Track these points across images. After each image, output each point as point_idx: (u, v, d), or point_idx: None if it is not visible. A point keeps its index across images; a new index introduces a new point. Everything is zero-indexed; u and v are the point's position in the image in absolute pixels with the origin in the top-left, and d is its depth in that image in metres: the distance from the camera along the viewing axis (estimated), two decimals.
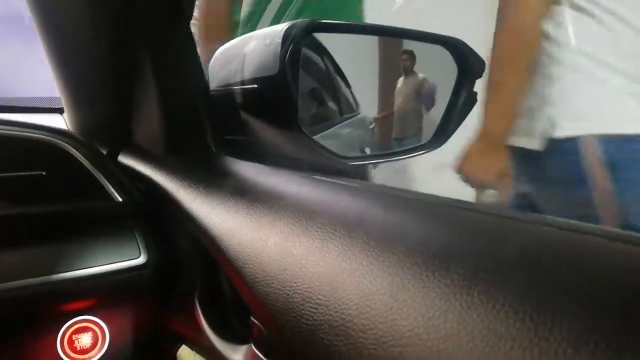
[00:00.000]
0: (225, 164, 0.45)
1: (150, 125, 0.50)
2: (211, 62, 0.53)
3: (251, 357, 0.33)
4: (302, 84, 0.55)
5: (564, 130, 0.89)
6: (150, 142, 0.51)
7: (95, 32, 0.50)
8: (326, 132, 0.62)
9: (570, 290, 0.16)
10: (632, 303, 0.15)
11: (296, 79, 0.41)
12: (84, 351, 0.42)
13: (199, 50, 0.53)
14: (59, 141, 0.45)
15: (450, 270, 0.19)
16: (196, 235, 0.39)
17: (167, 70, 0.48)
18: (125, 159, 0.52)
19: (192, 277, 0.43)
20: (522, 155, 0.95)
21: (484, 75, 0.53)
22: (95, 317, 0.42)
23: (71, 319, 0.41)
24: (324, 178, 0.34)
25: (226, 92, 0.48)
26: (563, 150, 0.89)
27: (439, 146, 0.53)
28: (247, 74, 0.45)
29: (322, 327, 0.23)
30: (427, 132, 0.55)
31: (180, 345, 0.50)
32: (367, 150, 0.69)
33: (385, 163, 0.60)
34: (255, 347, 0.32)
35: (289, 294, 0.26)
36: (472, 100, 0.52)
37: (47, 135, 0.45)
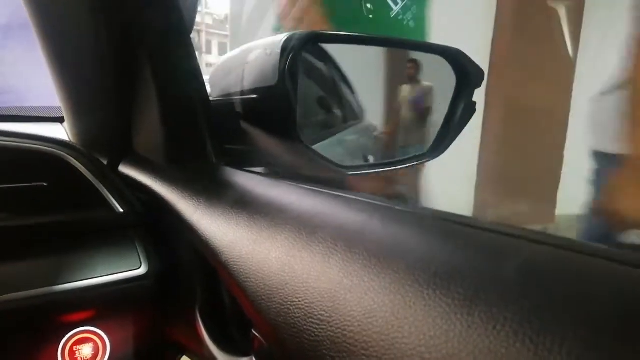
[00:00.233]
0: (226, 175, 0.45)
1: (151, 136, 0.51)
2: (213, 71, 0.53)
3: None
4: (307, 91, 0.55)
5: None
6: (151, 152, 0.51)
7: (97, 41, 0.50)
8: (330, 139, 0.62)
9: (569, 312, 0.16)
10: (630, 325, 0.15)
11: (295, 89, 0.41)
12: None
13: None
14: (60, 152, 0.45)
15: (451, 290, 0.19)
16: (197, 247, 0.39)
17: (168, 80, 0.48)
18: (126, 169, 0.52)
19: (193, 288, 0.44)
20: None
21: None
22: (96, 328, 0.42)
23: (72, 329, 0.41)
24: (324, 190, 0.34)
25: (226, 102, 0.49)
26: None
27: (438, 156, 0.53)
28: (248, 84, 0.45)
29: (325, 343, 0.23)
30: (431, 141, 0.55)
31: (181, 357, 0.50)
32: (371, 159, 0.69)
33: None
34: None
35: (290, 309, 0.26)
36: (470, 110, 0.52)
37: (48, 146, 0.45)
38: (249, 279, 0.30)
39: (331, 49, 0.57)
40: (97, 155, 0.50)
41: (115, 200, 0.46)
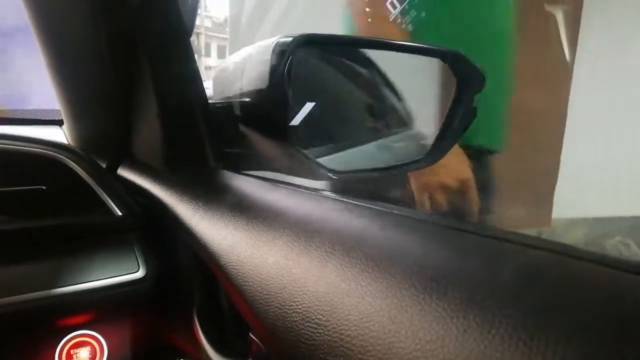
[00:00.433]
0: (224, 179, 0.45)
1: (150, 139, 0.51)
2: (215, 74, 0.53)
3: None
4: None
5: None
6: (150, 155, 0.51)
7: (96, 45, 0.50)
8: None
9: (563, 316, 0.17)
10: (624, 330, 0.15)
11: (286, 92, 0.40)
12: None
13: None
14: (59, 155, 0.46)
15: (447, 294, 0.20)
16: (195, 250, 0.39)
17: (167, 84, 0.49)
18: (124, 173, 0.52)
19: (191, 292, 0.44)
20: None
21: None
22: (94, 331, 0.42)
23: (70, 333, 0.41)
24: (323, 194, 0.35)
25: (223, 105, 0.49)
26: None
27: (434, 161, 0.52)
28: (243, 87, 0.45)
29: (322, 347, 0.23)
30: None
31: None
32: (368, 163, 0.68)
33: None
34: None
35: (288, 313, 0.26)
36: (470, 115, 0.51)
37: (47, 150, 0.45)
38: (246, 283, 0.30)
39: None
40: (96, 159, 0.50)
41: (114, 203, 0.46)
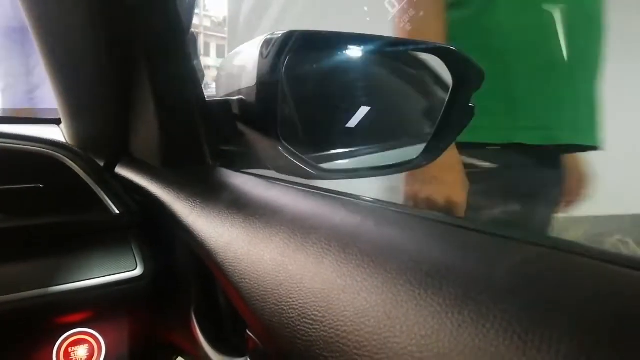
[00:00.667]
0: (222, 176, 0.46)
1: (148, 137, 0.51)
2: (218, 71, 0.53)
3: None
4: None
5: None
6: (148, 153, 0.51)
7: (94, 43, 0.50)
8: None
9: (559, 311, 0.17)
10: (621, 327, 0.15)
11: (274, 88, 0.40)
12: None
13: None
14: (56, 154, 0.46)
15: (442, 289, 0.20)
16: (192, 248, 0.39)
17: (164, 82, 0.49)
18: (122, 171, 0.52)
19: (188, 289, 0.44)
20: None
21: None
22: (92, 329, 0.42)
23: (67, 331, 0.41)
24: (319, 191, 0.35)
25: (221, 103, 0.49)
26: None
27: (428, 163, 0.50)
28: (238, 84, 0.45)
29: (318, 343, 0.23)
30: None
31: (176, 358, 0.50)
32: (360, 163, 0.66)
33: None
34: None
35: (284, 310, 0.26)
36: (467, 114, 0.49)
37: (44, 148, 0.45)
38: (243, 280, 0.30)
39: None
40: (94, 157, 0.50)
41: (112, 201, 0.46)
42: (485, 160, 0.91)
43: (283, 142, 0.41)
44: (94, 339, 0.42)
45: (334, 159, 0.52)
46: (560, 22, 0.87)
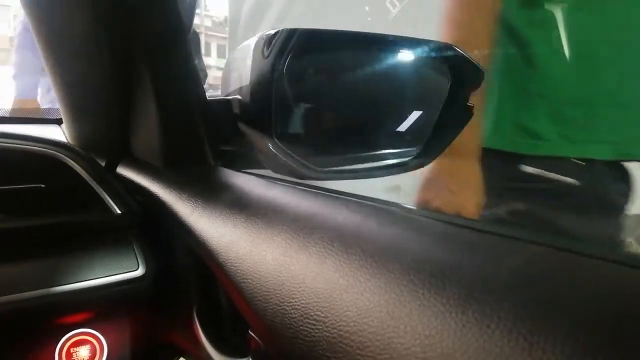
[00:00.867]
0: (223, 176, 0.45)
1: (149, 137, 0.51)
2: (224, 67, 0.53)
3: None
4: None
5: None
6: (149, 153, 0.51)
7: (95, 43, 0.50)
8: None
9: (563, 311, 0.17)
10: (624, 326, 0.15)
11: (269, 87, 0.40)
12: None
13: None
14: (58, 154, 0.45)
15: (445, 289, 0.19)
16: (194, 248, 0.39)
17: (165, 82, 0.49)
18: (123, 171, 0.52)
19: (190, 289, 0.44)
20: None
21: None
22: (93, 329, 0.42)
23: (69, 331, 0.41)
24: (321, 191, 0.35)
25: (219, 102, 0.49)
26: None
27: (425, 164, 0.49)
28: (238, 83, 0.45)
29: (321, 343, 0.23)
30: None
31: (178, 358, 0.50)
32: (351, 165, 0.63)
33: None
34: None
35: (287, 310, 0.26)
36: (465, 114, 0.48)
37: (46, 148, 0.45)
38: (245, 280, 0.30)
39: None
40: (95, 157, 0.50)
41: (113, 201, 0.46)
42: (562, 174, 0.82)
43: (276, 141, 0.41)
44: (95, 340, 0.42)
45: (334, 160, 0.51)
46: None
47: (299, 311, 0.25)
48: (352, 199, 0.32)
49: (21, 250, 0.41)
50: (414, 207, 0.29)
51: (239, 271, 0.31)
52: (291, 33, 0.40)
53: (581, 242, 0.21)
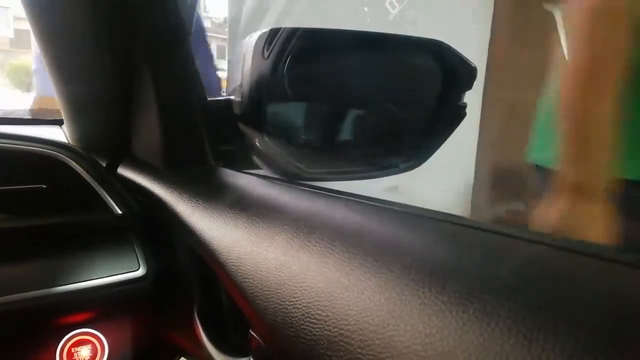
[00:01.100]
0: (224, 177, 0.46)
1: (150, 138, 0.51)
2: (228, 69, 0.52)
3: None
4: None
5: None
6: (150, 154, 0.51)
7: (96, 44, 0.50)
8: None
9: (563, 310, 0.17)
10: (624, 326, 0.15)
11: (260, 86, 0.39)
12: None
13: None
14: (59, 154, 0.46)
15: (446, 288, 0.20)
16: (195, 248, 0.39)
17: (166, 82, 0.49)
18: (124, 171, 0.52)
19: (191, 289, 0.44)
20: None
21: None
22: (95, 329, 0.42)
23: (70, 331, 0.41)
24: (321, 191, 0.35)
25: (219, 102, 0.49)
26: None
27: (416, 167, 0.48)
28: (234, 82, 0.45)
29: (322, 342, 0.23)
30: None
31: (179, 358, 0.50)
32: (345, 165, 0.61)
33: None
34: None
35: (288, 309, 0.26)
36: (458, 114, 0.47)
37: (47, 149, 0.45)
38: (246, 280, 0.30)
39: None
40: (96, 158, 0.50)
41: (114, 202, 0.46)
42: None
43: (267, 141, 0.41)
44: (97, 339, 0.42)
45: (328, 160, 0.51)
46: None
47: (300, 310, 0.25)
48: (353, 198, 0.32)
49: (23, 250, 0.41)
50: (414, 207, 0.29)
51: (240, 271, 0.31)
52: (292, 33, 0.40)
53: (581, 242, 0.21)
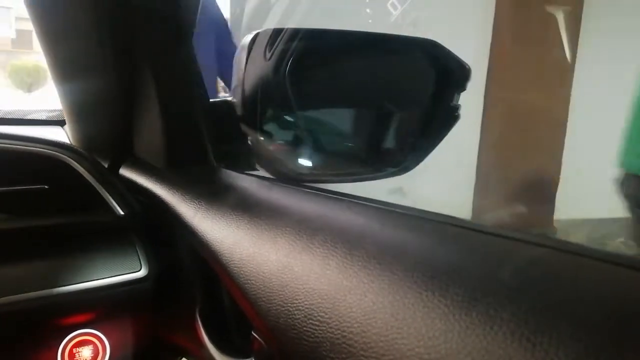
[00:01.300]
0: (226, 178, 0.46)
1: (152, 138, 0.51)
2: (234, 69, 0.52)
3: None
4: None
5: None
6: (152, 155, 0.51)
7: (98, 44, 0.50)
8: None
9: (566, 312, 0.17)
10: (626, 328, 0.15)
11: (260, 86, 0.39)
12: None
13: None
14: (61, 155, 0.46)
15: (449, 291, 0.20)
16: (197, 249, 0.39)
17: (168, 83, 0.49)
18: (126, 172, 0.52)
19: (193, 290, 0.44)
20: None
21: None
22: (96, 330, 0.42)
23: (72, 332, 0.41)
24: (324, 193, 0.35)
25: (221, 103, 0.49)
26: None
27: (406, 171, 0.47)
28: (233, 83, 0.45)
29: (324, 344, 0.23)
30: None
31: (181, 359, 0.50)
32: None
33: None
34: None
35: (290, 311, 0.26)
36: (451, 116, 0.46)
37: (49, 149, 0.45)
38: (249, 281, 0.30)
39: None
40: (98, 158, 0.50)
41: (116, 203, 0.46)
42: None
43: (267, 142, 0.41)
44: (98, 340, 0.42)
45: (325, 160, 0.50)
46: None
47: (303, 312, 0.25)
48: (356, 200, 0.32)
49: (24, 250, 0.41)
50: (417, 209, 0.29)
51: (242, 272, 0.31)
52: (294, 33, 0.40)
53: (583, 245, 0.21)
